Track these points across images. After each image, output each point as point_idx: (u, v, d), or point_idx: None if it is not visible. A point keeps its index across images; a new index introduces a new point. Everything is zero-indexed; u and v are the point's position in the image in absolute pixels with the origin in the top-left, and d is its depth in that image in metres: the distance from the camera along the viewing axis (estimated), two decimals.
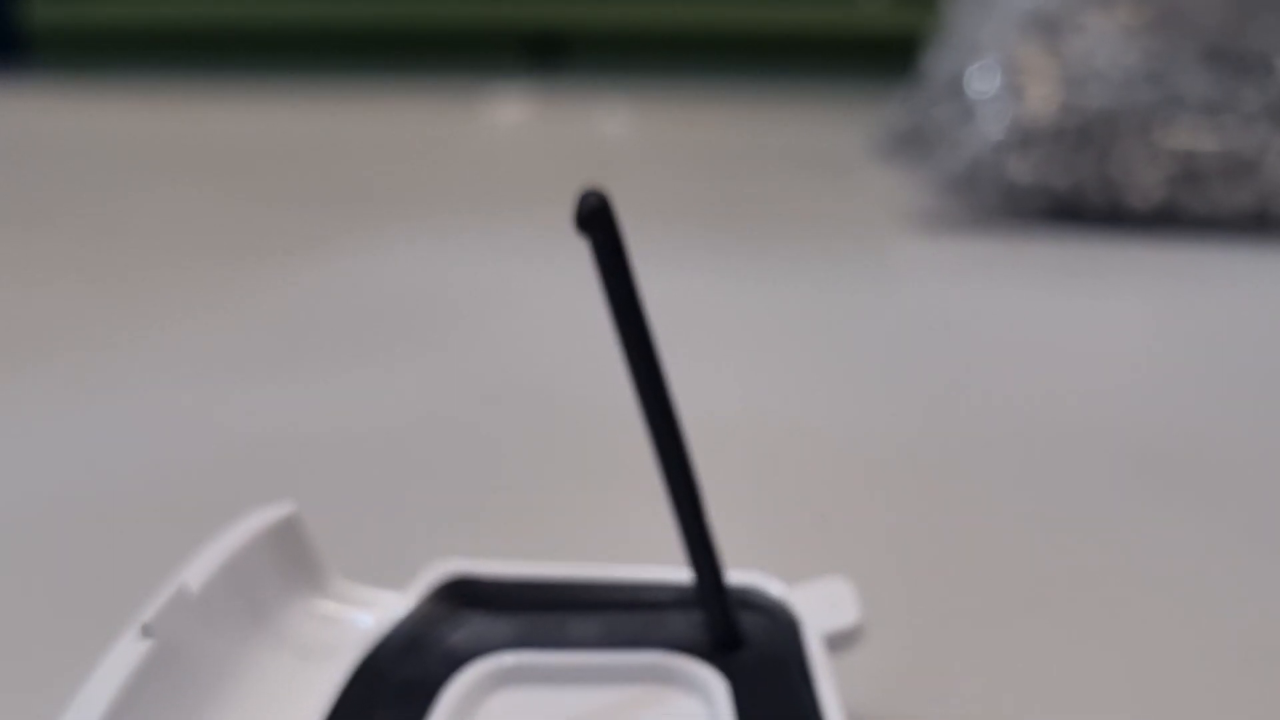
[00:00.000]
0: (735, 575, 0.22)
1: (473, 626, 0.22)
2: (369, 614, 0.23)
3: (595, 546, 0.30)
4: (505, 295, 0.51)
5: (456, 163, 0.78)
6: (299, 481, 0.35)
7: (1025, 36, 0.61)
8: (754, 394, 0.42)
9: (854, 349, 0.46)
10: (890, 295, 0.53)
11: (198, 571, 0.21)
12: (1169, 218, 0.58)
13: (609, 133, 0.92)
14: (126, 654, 0.19)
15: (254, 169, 0.77)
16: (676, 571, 0.22)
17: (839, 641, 0.22)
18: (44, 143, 0.85)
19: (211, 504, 0.33)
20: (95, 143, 0.84)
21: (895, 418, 0.40)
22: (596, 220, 0.18)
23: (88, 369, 0.44)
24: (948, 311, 0.50)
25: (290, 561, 0.23)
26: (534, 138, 0.90)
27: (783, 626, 0.22)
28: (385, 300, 0.51)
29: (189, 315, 0.49)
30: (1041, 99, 0.59)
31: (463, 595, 0.23)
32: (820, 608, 0.23)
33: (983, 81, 0.61)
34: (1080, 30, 0.60)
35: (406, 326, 0.48)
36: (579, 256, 0.18)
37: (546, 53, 1.11)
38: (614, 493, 0.33)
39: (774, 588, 0.22)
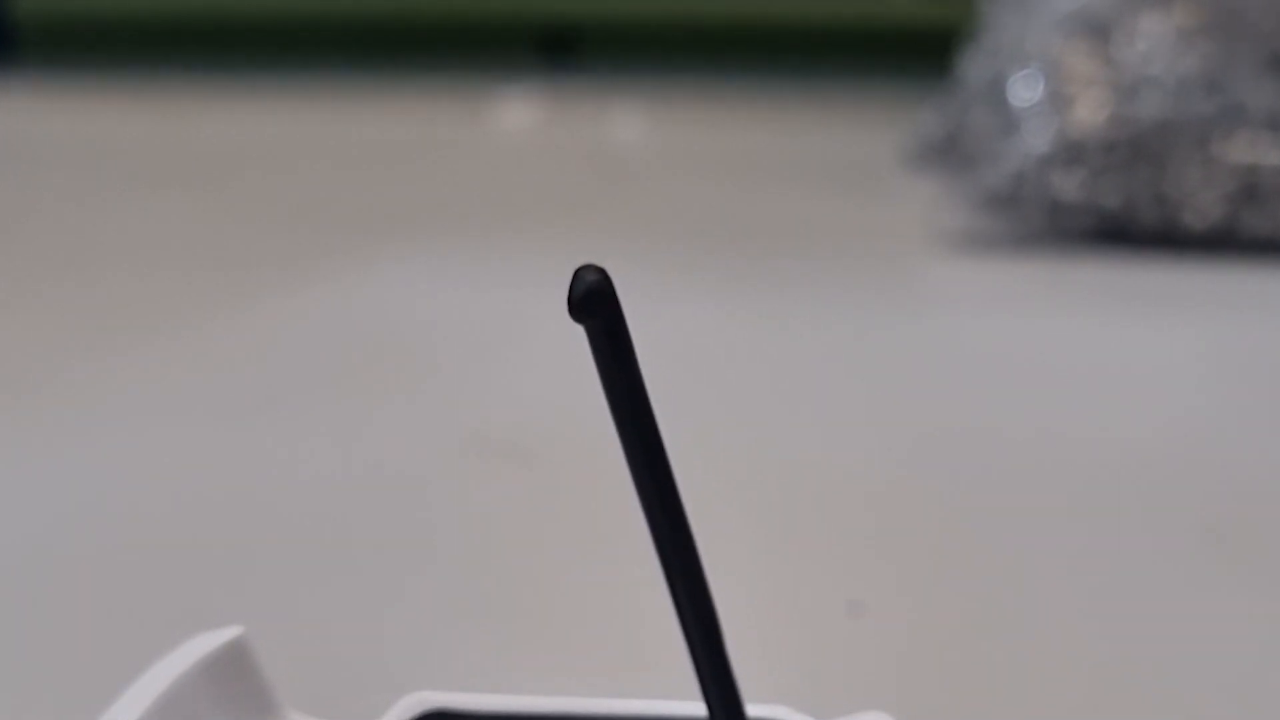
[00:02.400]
0: (757, 709, 0.19)
1: None
2: None
3: (595, 664, 0.27)
4: (511, 328, 0.49)
5: (459, 171, 0.76)
6: (251, 565, 0.32)
7: (1072, 40, 0.58)
8: (769, 437, 0.39)
9: (881, 387, 0.44)
10: (923, 323, 0.51)
11: (121, 716, 0.18)
12: (1228, 239, 0.56)
13: (623, 138, 0.90)
14: None
15: (243, 177, 0.75)
16: (689, 705, 0.19)
17: None
18: (22, 147, 0.83)
19: (148, 591, 0.30)
20: (78, 147, 0.82)
21: (930, 467, 0.37)
22: (595, 303, 0.15)
23: (30, 408, 0.41)
24: (986, 342, 0.48)
25: (236, 696, 0.20)
26: (543, 143, 0.88)
27: None
28: (375, 333, 0.49)
29: (151, 348, 0.47)
30: (1090, 109, 0.56)
31: None
32: None
33: (1026, 89, 0.59)
34: (1132, 34, 0.57)
35: (397, 366, 0.45)
36: None
37: (558, 49, 1.10)
38: (622, 590, 0.30)
39: None
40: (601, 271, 0.15)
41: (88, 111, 0.92)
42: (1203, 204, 0.55)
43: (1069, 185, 0.56)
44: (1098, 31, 0.58)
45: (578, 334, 0.15)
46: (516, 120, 0.96)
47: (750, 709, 0.18)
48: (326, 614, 0.29)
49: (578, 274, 0.15)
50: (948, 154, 0.66)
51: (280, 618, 0.28)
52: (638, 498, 0.16)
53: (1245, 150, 0.55)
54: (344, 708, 0.21)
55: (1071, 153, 0.56)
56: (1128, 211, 0.56)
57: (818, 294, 0.54)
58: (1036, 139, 0.57)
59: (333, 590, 0.30)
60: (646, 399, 0.16)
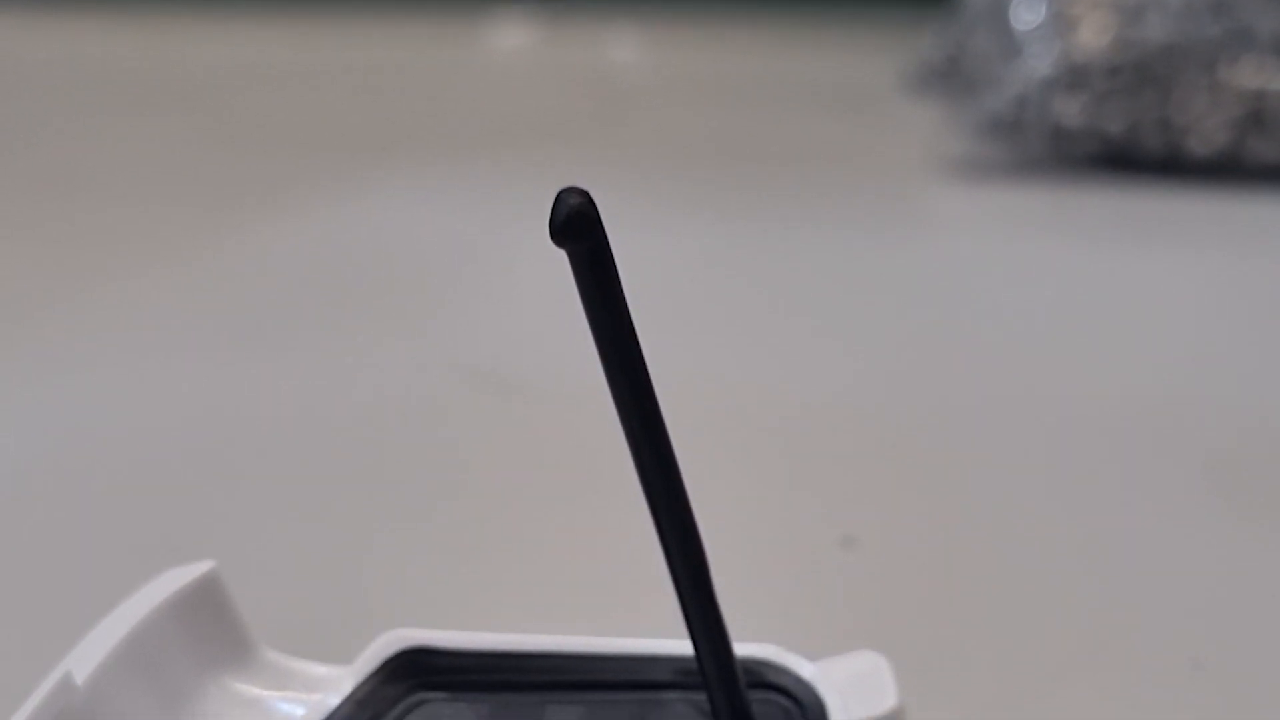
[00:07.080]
0: (746, 648, 0.19)
1: (430, 712, 0.19)
2: (303, 697, 0.20)
3: (578, 601, 0.26)
4: (499, 257, 0.48)
5: (448, 95, 0.75)
6: (225, 498, 0.31)
7: None
8: (764, 371, 0.39)
9: (879, 317, 0.43)
10: (921, 252, 0.50)
11: (86, 656, 0.18)
12: (1234, 165, 0.55)
13: (618, 60, 0.89)
14: None
15: (232, 100, 0.74)
16: (676, 644, 0.19)
17: None
18: (6, 69, 0.82)
19: (120, 524, 0.29)
20: (62, 70, 0.80)
21: (927, 398, 0.37)
22: (577, 228, 0.15)
23: (10, 336, 0.41)
24: (985, 272, 0.47)
25: (207, 635, 0.20)
26: (535, 66, 0.87)
27: (804, 711, 0.19)
28: (358, 263, 0.48)
29: (127, 276, 0.46)
30: (1094, 32, 0.55)
31: (419, 672, 0.20)
32: (849, 688, 0.19)
33: (1028, 11, 0.57)
34: None
35: (382, 294, 0.45)
36: None
37: None
38: (607, 526, 0.30)
39: (793, 663, 0.19)
40: (585, 194, 0.15)
41: (72, 33, 0.91)
42: (1208, 130, 0.54)
43: (1071, 110, 0.55)
44: None
45: (567, 260, 0.14)
46: (511, 42, 0.94)
47: (738, 647, 0.18)
48: (302, 549, 0.29)
49: (560, 197, 0.15)
50: (949, 78, 0.65)
51: (254, 553, 0.28)
52: (622, 431, 0.16)
53: (1252, 75, 0.54)
54: (320, 646, 0.20)
55: (1074, 77, 0.55)
56: (1131, 137, 0.55)
57: (815, 220, 0.53)
58: (1039, 62, 0.56)
59: (309, 525, 0.30)
60: (631, 327, 0.16)
